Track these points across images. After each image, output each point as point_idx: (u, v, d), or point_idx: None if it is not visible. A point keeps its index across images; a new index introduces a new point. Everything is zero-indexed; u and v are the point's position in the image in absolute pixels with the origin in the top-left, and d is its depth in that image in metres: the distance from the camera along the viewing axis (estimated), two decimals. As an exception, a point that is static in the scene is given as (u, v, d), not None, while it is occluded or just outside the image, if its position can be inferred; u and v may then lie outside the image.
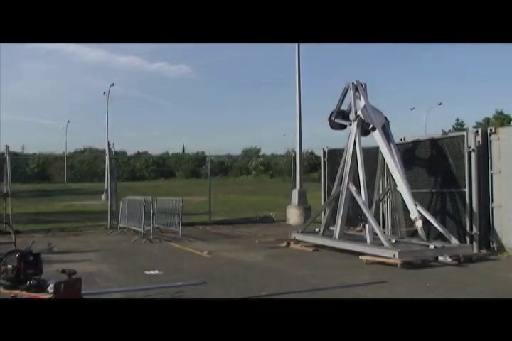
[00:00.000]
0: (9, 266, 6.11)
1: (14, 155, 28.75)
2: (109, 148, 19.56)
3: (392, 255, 9.98)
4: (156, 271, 9.63)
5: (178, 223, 14.89)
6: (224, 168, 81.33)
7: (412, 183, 12.05)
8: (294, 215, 19.15)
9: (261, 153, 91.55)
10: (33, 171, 76.01)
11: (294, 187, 19.94)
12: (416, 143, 13.21)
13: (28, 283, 5.99)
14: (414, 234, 11.76)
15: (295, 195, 19.54)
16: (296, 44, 19.75)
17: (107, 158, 19.87)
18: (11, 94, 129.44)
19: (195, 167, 74.79)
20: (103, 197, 31.34)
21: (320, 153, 17.99)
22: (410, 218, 11.19)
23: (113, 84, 56.10)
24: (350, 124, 12.28)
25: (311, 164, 55.08)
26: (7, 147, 18.15)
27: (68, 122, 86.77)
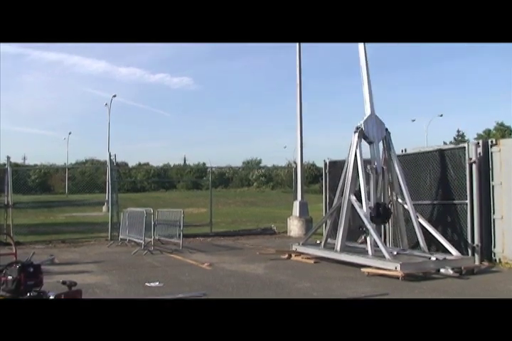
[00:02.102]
0: (9, 278, 6.11)
1: (15, 166, 28.85)
2: (110, 160, 19.59)
3: (393, 267, 9.94)
4: (157, 283, 9.59)
5: (179, 235, 14.86)
6: (225, 179, 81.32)
7: (413, 195, 12.04)
8: (295, 227, 19.12)
9: (262, 165, 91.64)
10: (34, 182, 76.17)
11: (295, 198, 19.92)
12: (417, 155, 13.21)
13: (28, 294, 5.98)
14: (415, 246, 11.74)
15: (296, 206, 19.52)
16: (297, 56, 19.87)
17: (108, 169, 19.90)
18: (13, 104, 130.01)
19: (196, 178, 74.74)
20: (104, 208, 31.37)
21: (321, 165, 18.00)
22: (412, 230, 11.18)
23: (115, 96, 56.22)
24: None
25: (312, 175, 55.20)
26: (8, 158, 18.20)
27: (70, 133, 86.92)
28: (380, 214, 11.53)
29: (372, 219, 11.37)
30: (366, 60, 12.52)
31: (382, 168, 12.03)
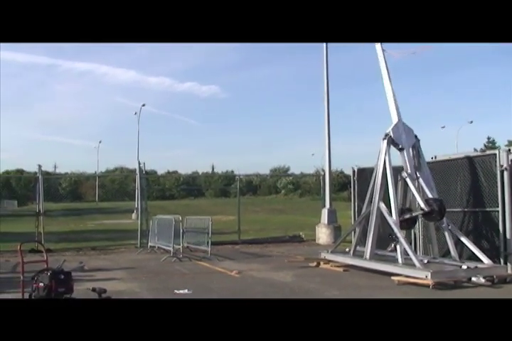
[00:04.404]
0: (41, 284, 6.19)
1: (47, 175, 29.26)
2: (139, 168, 19.78)
3: (424, 276, 9.81)
4: (186, 290, 9.61)
5: (208, 242, 14.91)
6: (253, 187, 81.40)
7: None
8: (323, 234, 19.03)
9: (290, 172, 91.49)
10: (65, 190, 77.24)
11: (324, 206, 19.84)
12: (447, 162, 13.04)
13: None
14: (446, 254, 11.58)
15: (324, 214, 19.43)
16: (324, 63, 19.86)
17: (137, 177, 20.10)
18: (45, 114, 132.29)
19: (224, 186, 74.96)
20: (133, 215, 31.65)
21: (349, 172, 17.90)
22: (442, 238, 11.01)
23: (144, 105, 57.04)
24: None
25: (341, 183, 54.84)
26: (39, 166, 18.48)
27: (100, 142, 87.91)
28: (434, 210, 11.28)
29: (426, 215, 11.24)
30: (386, 66, 12.46)
31: (416, 173, 11.91)
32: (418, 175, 11.87)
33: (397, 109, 12.17)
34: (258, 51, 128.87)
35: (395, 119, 12.11)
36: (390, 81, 12.42)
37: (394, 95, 12.30)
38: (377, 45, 12.76)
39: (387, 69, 12.51)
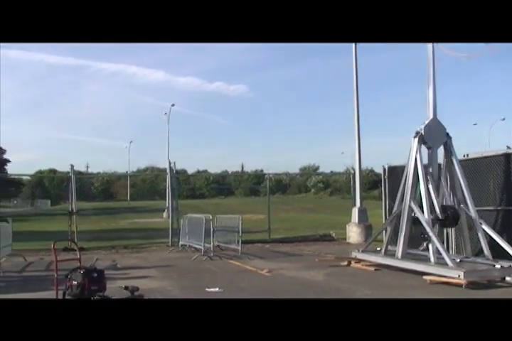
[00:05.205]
0: (74, 283, 6.27)
1: (79, 175, 29.66)
2: (170, 167, 19.94)
3: (456, 275, 9.70)
4: (217, 289, 9.66)
5: (238, 241, 14.95)
6: (282, 185, 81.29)
7: (476, 201, 11.72)
8: (354, 233, 18.92)
9: (319, 171, 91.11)
10: (97, 190, 78.33)
11: (354, 205, 19.72)
12: (479, 160, 12.86)
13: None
14: (479, 253, 11.42)
15: (355, 212, 19.30)
16: (353, 60, 19.73)
17: (168, 176, 20.25)
18: (76, 115, 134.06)
19: (253, 185, 74.98)
20: (164, 214, 31.86)
21: (380, 170, 17.75)
22: (475, 237, 10.89)
23: (173, 105, 57.49)
24: None
25: (371, 181, 54.42)
26: (72, 166, 18.75)
27: (131, 142, 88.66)
28: (449, 217, 11.26)
29: (440, 222, 11.16)
30: (434, 61, 12.17)
31: (439, 174, 11.82)
32: (447, 175, 11.79)
33: (435, 106, 12.01)
34: (286, 51, 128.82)
35: (430, 116, 11.96)
36: (434, 77, 12.17)
37: (435, 91, 12.09)
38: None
39: (434, 65, 12.22)
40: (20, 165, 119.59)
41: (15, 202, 66.91)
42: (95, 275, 6.38)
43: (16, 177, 64.43)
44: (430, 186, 11.53)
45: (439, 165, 12.11)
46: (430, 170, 11.75)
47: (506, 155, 12.15)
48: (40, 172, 75.55)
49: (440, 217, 11.23)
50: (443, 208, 11.32)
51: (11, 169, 64.74)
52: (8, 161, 65.18)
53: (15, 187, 66.73)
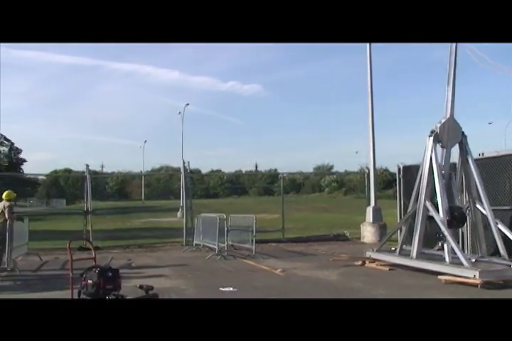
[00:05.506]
0: (89, 282, 6.31)
1: (94, 174, 29.81)
2: (184, 167, 19.97)
3: (472, 275, 9.62)
4: (231, 288, 9.67)
5: (252, 240, 14.95)
6: (296, 185, 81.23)
7: (491, 200, 11.61)
8: (368, 233, 18.85)
9: (333, 170, 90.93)
10: (112, 189, 78.82)
11: (369, 204, 19.64)
12: (495, 159, 12.74)
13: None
14: (495, 253, 11.32)
15: (369, 212, 19.23)
16: (368, 60, 19.62)
17: (182, 175, 20.28)
18: (91, 114, 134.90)
19: (267, 184, 75.03)
20: (179, 214, 31.99)
21: (394, 170, 17.68)
22: (491, 236, 10.80)
23: (187, 104, 57.68)
24: None
25: (386, 181, 54.29)
26: (87, 166, 18.86)
27: (145, 142, 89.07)
28: (455, 218, 11.21)
29: (447, 223, 11.09)
30: (455, 59, 11.99)
31: (450, 174, 11.75)
32: (462, 174, 11.71)
33: (453, 104, 11.90)
34: (299, 50, 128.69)
35: (447, 115, 11.85)
36: (455, 75, 12.02)
37: (454, 90, 11.97)
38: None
39: (455, 63, 12.05)
40: (36, 165, 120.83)
41: (31, 201, 67.47)
42: (110, 274, 6.41)
43: (32, 176, 65.11)
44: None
45: (452, 164, 12.03)
46: (443, 171, 11.67)
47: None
48: (55, 171, 76.15)
49: (447, 217, 11.14)
50: (450, 209, 11.24)
51: (27, 169, 65.51)
52: (24, 161, 65.98)
53: (31, 187, 67.44)
